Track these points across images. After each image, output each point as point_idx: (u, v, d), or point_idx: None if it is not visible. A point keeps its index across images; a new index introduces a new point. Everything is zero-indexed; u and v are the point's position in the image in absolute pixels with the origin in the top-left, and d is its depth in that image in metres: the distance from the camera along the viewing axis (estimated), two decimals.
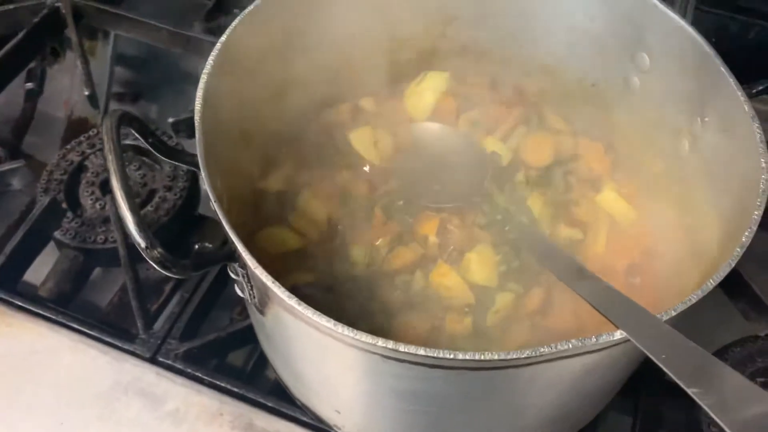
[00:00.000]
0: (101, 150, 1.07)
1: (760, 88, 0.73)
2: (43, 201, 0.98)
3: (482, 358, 0.52)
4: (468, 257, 0.80)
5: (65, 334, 0.87)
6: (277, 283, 0.56)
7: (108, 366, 0.83)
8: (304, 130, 0.91)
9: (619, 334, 0.54)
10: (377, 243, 0.82)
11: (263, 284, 0.58)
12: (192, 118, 1.00)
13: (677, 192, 0.79)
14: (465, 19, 0.89)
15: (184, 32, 1.11)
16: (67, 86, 1.28)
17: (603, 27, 0.82)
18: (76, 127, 1.18)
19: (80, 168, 1.07)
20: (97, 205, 1.03)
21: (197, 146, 0.63)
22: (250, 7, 0.75)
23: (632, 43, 0.80)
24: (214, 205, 0.61)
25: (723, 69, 0.69)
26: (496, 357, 0.52)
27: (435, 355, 0.52)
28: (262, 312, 0.67)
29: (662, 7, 0.75)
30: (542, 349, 0.52)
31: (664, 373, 0.51)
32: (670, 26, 0.75)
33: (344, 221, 0.85)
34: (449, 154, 0.89)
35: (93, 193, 1.04)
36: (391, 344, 0.52)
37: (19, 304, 0.89)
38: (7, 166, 1.03)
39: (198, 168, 0.65)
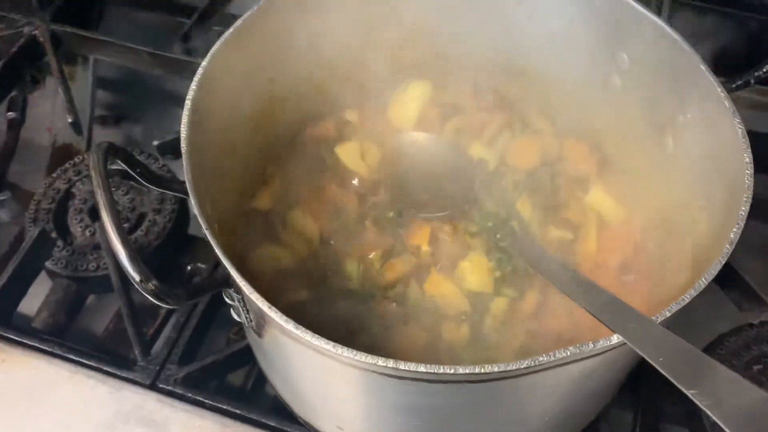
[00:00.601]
0: (88, 177, 1.07)
1: (740, 82, 0.74)
2: (33, 232, 0.97)
3: (482, 371, 0.52)
4: (461, 265, 0.81)
5: (63, 366, 0.87)
6: (273, 308, 0.56)
7: (108, 395, 0.83)
8: (290, 146, 0.91)
9: (615, 339, 0.54)
10: (370, 256, 0.83)
11: (259, 309, 0.58)
12: (176, 140, 1.01)
13: (665, 188, 0.79)
14: (443, 28, 0.89)
15: (165, 54, 1.11)
16: (48, 112, 1.27)
17: (581, 29, 0.83)
18: (61, 154, 1.18)
19: (67, 195, 1.06)
20: (87, 232, 1.02)
21: (185, 175, 0.63)
22: (231, 29, 0.75)
23: (611, 44, 0.81)
24: (206, 233, 0.61)
25: (702, 66, 0.70)
26: (496, 369, 0.52)
27: (435, 371, 0.52)
28: (259, 335, 0.67)
29: (638, 7, 0.76)
30: (541, 358, 0.53)
31: None
32: (647, 25, 0.76)
33: (336, 236, 0.85)
34: (436, 163, 0.89)
35: (82, 220, 1.03)
36: (391, 363, 0.52)
37: (14, 338, 0.88)
38: None
39: (187, 195, 0.65)
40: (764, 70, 0.74)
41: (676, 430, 0.90)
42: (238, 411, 0.82)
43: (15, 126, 1.16)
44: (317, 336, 0.54)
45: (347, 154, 0.89)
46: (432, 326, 0.79)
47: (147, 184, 0.66)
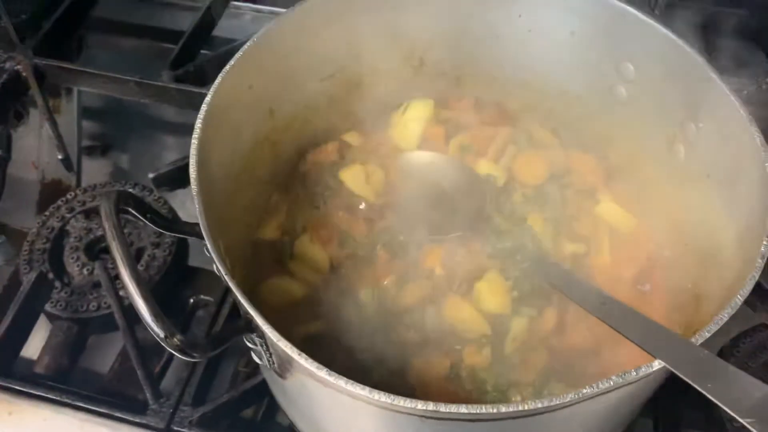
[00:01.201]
0: (81, 213, 1.04)
1: (751, 88, 0.73)
2: (30, 277, 0.94)
3: (526, 408, 0.51)
4: (478, 286, 0.79)
5: (71, 414, 0.84)
6: (304, 355, 0.54)
7: None
8: (293, 174, 0.89)
9: (657, 364, 0.53)
10: (384, 283, 0.81)
11: (287, 355, 0.56)
12: (173, 171, 0.99)
13: (678, 197, 0.79)
14: (442, 45, 0.88)
15: (153, 82, 1.08)
16: (34, 146, 1.24)
17: (583, 40, 0.82)
18: (51, 190, 1.14)
19: (62, 234, 1.03)
20: (85, 271, 0.99)
21: (199, 218, 0.61)
22: (231, 62, 0.73)
23: (615, 54, 0.80)
24: (226, 279, 0.59)
25: (713, 75, 0.70)
26: (540, 405, 0.51)
27: (478, 411, 0.51)
28: (282, 377, 0.65)
29: (642, 16, 0.75)
30: (585, 391, 0.52)
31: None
32: (653, 35, 0.75)
33: (347, 263, 0.83)
34: (444, 182, 0.88)
35: (78, 258, 1.00)
36: (431, 406, 0.51)
37: (19, 388, 0.85)
38: None
39: (198, 236, 0.63)
40: None
41: None
42: None
43: (1, 164, 1.13)
44: (352, 381, 0.52)
45: (351, 178, 0.88)
46: (453, 351, 0.77)
47: (159, 229, 0.64)
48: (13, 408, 0.84)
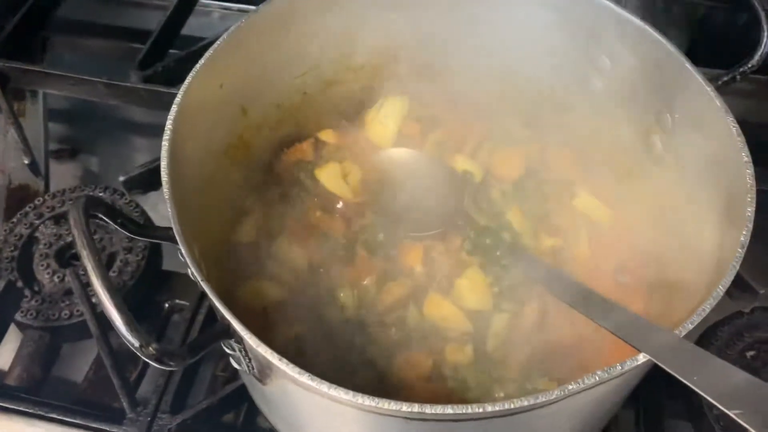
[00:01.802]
0: (51, 219, 1.01)
1: (726, 79, 0.73)
2: None
3: (511, 406, 0.50)
4: (459, 283, 0.79)
5: (46, 426, 0.82)
6: (284, 359, 0.53)
7: None
8: (268, 174, 0.88)
9: (642, 358, 0.53)
10: (364, 282, 0.80)
11: (267, 360, 0.54)
12: (144, 173, 0.97)
13: (655, 189, 0.79)
14: (417, 42, 0.87)
15: (121, 83, 1.05)
16: None
17: (558, 34, 0.82)
18: (19, 196, 1.11)
19: (31, 241, 1.00)
20: (56, 278, 0.97)
21: (172, 223, 0.60)
22: (201, 62, 0.71)
23: (590, 48, 0.80)
24: (201, 284, 0.57)
25: (688, 65, 0.70)
26: (525, 403, 0.50)
27: (463, 411, 0.50)
28: (262, 382, 0.63)
29: (617, 9, 0.75)
30: (570, 387, 0.51)
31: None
32: (627, 27, 0.75)
33: (326, 264, 0.82)
34: (422, 179, 0.87)
35: (49, 266, 0.98)
36: (416, 407, 0.50)
37: None
38: None
39: (171, 240, 0.62)
40: (750, 65, 0.74)
41: (679, 425, 0.90)
42: None
43: None
44: (335, 386, 0.51)
45: (328, 176, 0.86)
46: (435, 349, 0.77)
47: (130, 235, 0.62)
48: None
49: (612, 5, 0.74)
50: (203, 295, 0.92)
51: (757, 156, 0.65)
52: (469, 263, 0.80)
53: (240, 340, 0.59)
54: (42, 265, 0.98)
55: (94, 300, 0.91)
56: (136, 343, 0.50)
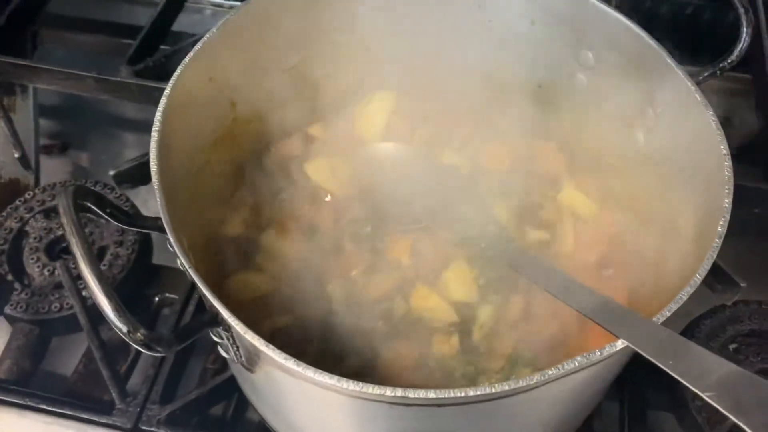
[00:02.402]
0: (41, 213, 1.02)
1: (706, 74, 0.75)
2: None
3: (493, 391, 0.51)
4: (445, 276, 0.80)
5: (36, 417, 0.82)
6: (271, 345, 0.53)
7: None
8: (257, 167, 0.88)
9: (620, 344, 0.54)
10: (352, 274, 0.81)
11: (254, 347, 0.55)
12: (134, 167, 0.97)
13: (638, 182, 0.80)
14: (405, 38, 0.88)
15: (112, 78, 1.06)
16: None
17: (543, 30, 0.83)
18: (9, 190, 1.11)
19: (20, 234, 1.01)
20: (46, 272, 0.97)
21: (161, 212, 0.60)
22: (190, 54, 0.72)
23: (574, 42, 0.81)
24: (189, 272, 0.58)
25: (669, 60, 0.71)
26: (507, 387, 0.51)
27: (446, 395, 0.51)
28: (251, 371, 0.64)
29: (600, 5, 0.76)
30: (550, 372, 0.52)
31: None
32: (610, 22, 0.76)
33: (313, 257, 0.83)
34: (409, 173, 0.88)
35: (39, 259, 0.98)
36: (399, 392, 0.51)
37: None
38: None
39: (160, 230, 0.63)
40: (729, 60, 0.75)
41: (662, 416, 0.91)
42: None
43: None
44: (320, 371, 0.52)
45: (316, 171, 0.87)
46: (421, 340, 0.77)
47: (119, 225, 0.63)
48: None
49: (596, 1, 0.76)
50: (192, 288, 0.93)
51: (738, 153, 0.67)
52: (456, 256, 0.81)
53: (228, 328, 0.59)
54: (32, 259, 0.98)
55: (84, 293, 0.92)
56: (124, 329, 0.51)
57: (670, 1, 1.08)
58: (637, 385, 0.88)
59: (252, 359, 0.62)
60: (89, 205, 0.59)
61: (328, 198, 0.86)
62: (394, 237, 0.83)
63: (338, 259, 0.82)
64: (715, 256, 0.59)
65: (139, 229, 0.64)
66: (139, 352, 0.94)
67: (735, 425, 0.47)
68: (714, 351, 0.89)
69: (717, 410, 0.48)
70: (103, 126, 1.30)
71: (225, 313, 0.55)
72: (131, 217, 0.64)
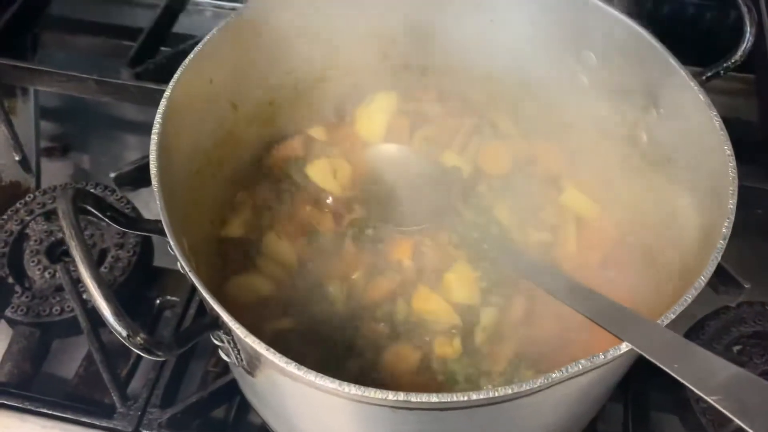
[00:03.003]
0: (42, 216, 1.01)
1: (710, 74, 0.74)
2: None
3: (496, 395, 0.51)
4: (447, 277, 0.79)
5: (37, 421, 0.82)
6: (272, 349, 0.53)
7: None
8: (258, 169, 0.88)
9: (625, 347, 0.54)
10: (353, 276, 0.81)
11: (255, 351, 0.55)
12: (134, 170, 0.97)
13: (641, 183, 0.80)
14: (405, 38, 0.88)
15: (112, 80, 1.05)
16: None
17: (544, 30, 0.82)
18: (10, 193, 1.11)
19: (21, 237, 1.00)
20: (47, 275, 0.97)
21: (161, 215, 0.60)
22: (190, 56, 0.71)
23: (576, 43, 0.81)
24: (190, 275, 0.57)
25: (672, 60, 0.70)
26: (510, 391, 0.51)
27: (449, 399, 0.50)
28: (252, 374, 0.64)
29: (602, 5, 0.75)
30: (554, 375, 0.52)
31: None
32: (611, 22, 0.76)
33: (315, 259, 0.83)
34: (411, 174, 0.87)
35: (39, 262, 0.98)
36: (402, 396, 0.50)
37: None
38: None
39: (160, 233, 0.62)
40: (733, 61, 0.75)
41: (666, 418, 0.91)
42: None
43: None
44: (321, 375, 0.52)
45: (317, 172, 0.87)
46: (423, 343, 0.77)
47: (119, 227, 0.62)
48: None
49: (597, 2, 0.75)
50: (194, 291, 0.93)
51: (742, 153, 0.67)
52: (457, 257, 0.81)
53: (228, 332, 0.59)
54: (33, 262, 0.98)
55: (84, 296, 0.91)
56: (124, 333, 0.50)
57: (671, 1, 1.07)
58: (640, 387, 0.87)
59: (253, 363, 0.62)
60: (89, 208, 0.58)
61: (329, 200, 0.86)
62: (396, 239, 0.83)
63: (339, 260, 0.82)
64: (719, 258, 0.58)
65: (139, 232, 0.64)
66: (140, 355, 0.93)
67: (739, 427, 0.47)
68: (718, 352, 0.90)
69: (721, 412, 0.47)
70: (104, 128, 1.30)
71: (226, 317, 0.55)
72: (131, 220, 0.64)
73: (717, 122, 0.66)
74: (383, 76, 0.91)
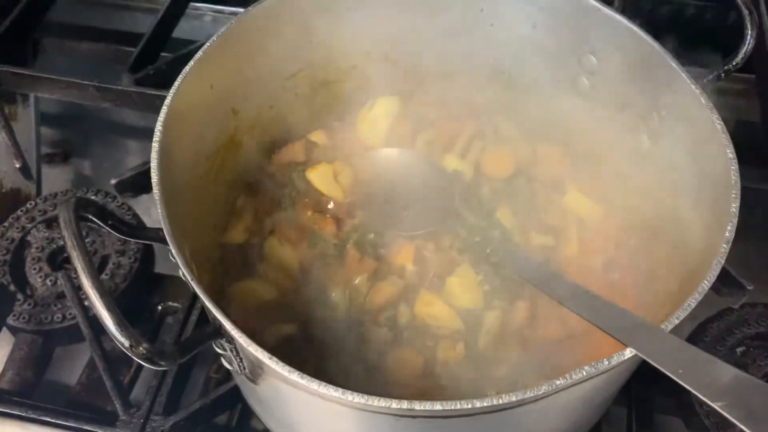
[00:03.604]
0: (43, 223, 1.01)
1: (710, 77, 0.74)
2: None
3: (500, 402, 0.50)
4: (450, 282, 0.79)
5: (38, 430, 0.82)
6: (274, 358, 0.53)
7: None
8: (259, 174, 0.88)
9: (629, 353, 0.53)
10: (355, 281, 0.80)
11: (258, 359, 0.55)
12: (135, 176, 0.97)
13: (643, 185, 0.79)
14: (406, 42, 0.87)
15: (113, 86, 1.05)
16: None
17: (545, 33, 0.82)
18: (10, 200, 1.11)
19: (23, 244, 1.00)
20: (48, 282, 0.97)
21: (162, 223, 0.60)
22: (191, 63, 0.71)
23: (577, 46, 0.80)
24: (192, 284, 0.57)
25: (673, 63, 0.70)
26: (514, 398, 0.51)
27: (453, 407, 0.50)
28: (254, 382, 0.64)
29: (603, 8, 0.75)
30: (558, 382, 0.51)
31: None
32: (613, 26, 0.76)
33: (317, 264, 0.82)
34: (412, 178, 0.87)
35: (41, 269, 0.98)
36: (405, 404, 0.50)
37: None
38: None
39: (162, 241, 0.62)
40: (734, 63, 0.75)
41: (670, 420, 0.90)
42: None
43: None
44: (325, 384, 0.51)
45: (319, 177, 0.87)
46: (427, 348, 0.77)
47: (121, 236, 0.62)
48: None
49: (598, 5, 0.75)
50: (196, 297, 0.92)
51: (743, 154, 0.66)
52: (460, 261, 0.81)
53: (231, 340, 0.59)
54: (34, 269, 0.98)
55: (86, 303, 0.91)
56: (126, 343, 0.50)
57: (671, 3, 1.07)
58: (644, 390, 0.87)
59: (256, 371, 0.62)
60: (90, 216, 0.58)
61: (331, 205, 0.86)
62: (398, 243, 0.82)
63: (342, 266, 0.82)
64: (723, 261, 0.58)
65: (141, 241, 0.64)
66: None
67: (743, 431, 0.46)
68: (721, 354, 0.89)
69: None
70: (105, 134, 1.30)
71: (228, 325, 0.54)
72: (133, 228, 0.64)
73: (719, 125, 0.66)
74: (385, 81, 0.90)
